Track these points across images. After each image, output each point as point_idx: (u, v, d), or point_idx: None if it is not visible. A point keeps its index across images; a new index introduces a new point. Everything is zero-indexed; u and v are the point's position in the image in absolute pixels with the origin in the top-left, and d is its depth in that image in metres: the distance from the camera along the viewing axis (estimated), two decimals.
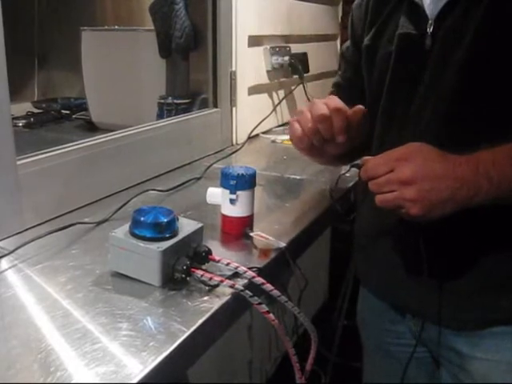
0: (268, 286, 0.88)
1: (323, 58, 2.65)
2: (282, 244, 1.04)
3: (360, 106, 1.04)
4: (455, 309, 1.07)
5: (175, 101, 1.91)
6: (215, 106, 1.88)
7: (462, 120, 0.98)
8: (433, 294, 1.06)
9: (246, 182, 1.06)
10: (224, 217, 1.09)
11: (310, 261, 2.56)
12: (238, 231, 1.08)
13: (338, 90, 1.32)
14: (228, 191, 1.06)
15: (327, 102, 1.03)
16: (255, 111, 2.07)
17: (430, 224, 0.98)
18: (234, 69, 1.89)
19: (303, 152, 1.11)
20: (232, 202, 1.06)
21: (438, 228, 1.01)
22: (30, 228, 1.12)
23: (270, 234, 1.06)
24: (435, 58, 1.01)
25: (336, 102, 1.04)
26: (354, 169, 1.02)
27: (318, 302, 2.92)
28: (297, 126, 1.06)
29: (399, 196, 0.89)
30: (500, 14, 0.93)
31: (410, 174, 0.88)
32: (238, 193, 1.06)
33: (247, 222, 1.09)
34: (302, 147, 1.08)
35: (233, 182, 1.05)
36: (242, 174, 1.05)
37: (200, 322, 0.80)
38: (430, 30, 1.01)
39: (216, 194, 1.10)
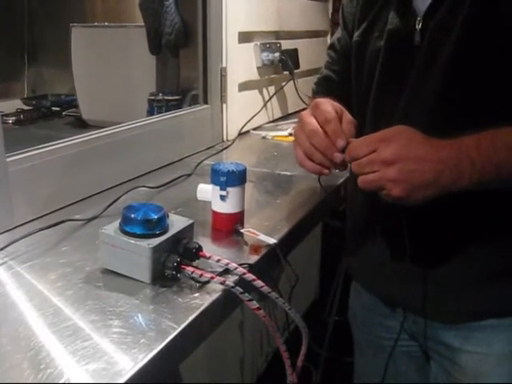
0: (259, 283, 0.88)
1: (314, 54, 2.64)
2: (273, 240, 1.04)
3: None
4: (443, 302, 1.08)
5: (165, 97, 1.91)
6: (205, 102, 1.87)
7: (450, 115, 0.99)
8: (420, 287, 1.07)
9: (237, 178, 1.06)
10: (214, 213, 1.09)
11: (301, 257, 2.57)
12: (229, 228, 1.08)
13: (328, 86, 1.31)
14: (218, 188, 1.06)
15: (316, 116, 1.01)
16: (246, 107, 2.07)
17: (416, 217, 0.99)
18: (224, 65, 1.89)
19: (314, 168, 1.04)
20: (222, 198, 1.06)
21: (424, 221, 1.01)
22: (20, 225, 1.12)
23: (260, 231, 1.06)
24: (424, 54, 1.01)
25: (326, 114, 1.00)
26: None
27: (309, 298, 2.93)
28: (298, 150, 1.04)
29: (381, 176, 0.88)
30: (486, 8, 0.94)
31: (392, 154, 0.87)
32: (229, 189, 1.05)
33: (238, 219, 1.09)
34: (311, 169, 1.04)
35: (223, 179, 1.05)
36: (232, 171, 1.05)
37: (191, 318, 0.80)
38: (418, 26, 1.02)
39: (206, 191, 1.10)
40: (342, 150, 0.96)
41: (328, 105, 1.02)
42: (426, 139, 0.89)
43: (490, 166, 0.88)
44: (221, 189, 1.06)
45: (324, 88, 1.30)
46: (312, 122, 1.00)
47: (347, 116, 1.03)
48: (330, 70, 1.32)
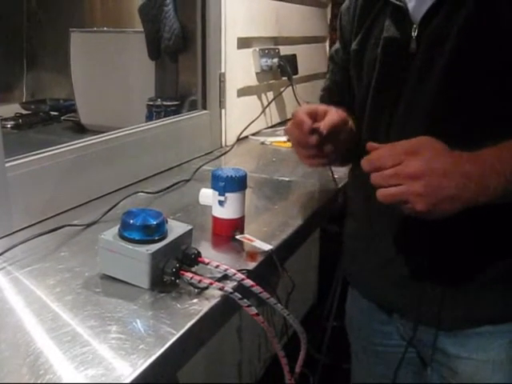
0: (257, 289, 0.88)
1: (312, 59, 2.65)
2: (269, 247, 1.03)
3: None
4: (440, 308, 1.08)
5: (164, 103, 1.91)
6: (204, 107, 1.88)
7: (447, 122, 0.99)
8: (417, 293, 1.07)
9: (236, 183, 1.06)
10: (214, 218, 1.10)
11: (299, 262, 2.57)
12: (228, 233, 1.08)
13: (330, 95, 1.33)
14: (217, 193, 1.06)
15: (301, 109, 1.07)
16: (244, 113, 2.07)
17: (416, 224, 0.99)
18: (223, 71, 1.89)
19: (308, 161, 1.13)
20: (221, 203, 1.06)
21: (424, 227, 1.01)
22: (19, 230, 1.12)
23: (258, 237, 1.06)
24: (420, 61, 1.01)
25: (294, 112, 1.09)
26: None
27: (307, 304, 2.93)
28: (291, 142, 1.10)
29: (406, 190, 0.86)
30: (482, 17, 0.94)
31: (418, 168, 0.86)
32: (227, 195, 1.05)
33: (237, 224, 1.09)
34: (303, 154, 1.10)
35: (221, 184, 1.05)
36: (231, 176, 1.05)
37: (189, 324, 0.80)
38: (414, 33, 1.02)
39: (208, 195, 1.10)
40: (312, 131, 1.03)
41: (302, 107, 1.09)
42: (449, 152, 0.88)
43: None
44: (219, 194, 1.06)
45: (327, 100, 1.32)
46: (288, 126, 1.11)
47: (332, 109, 1.07)
48: (331, 82, 1.35)
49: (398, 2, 1.04)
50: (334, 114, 1.05)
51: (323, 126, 1.01)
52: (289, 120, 2.39)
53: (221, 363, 1.99)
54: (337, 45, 1.31)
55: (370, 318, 1.27)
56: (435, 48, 0.99)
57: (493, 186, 0.87)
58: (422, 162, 0.86)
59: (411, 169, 0.86)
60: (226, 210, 1.07)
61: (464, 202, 0.87)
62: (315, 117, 1.05)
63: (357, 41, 1.15)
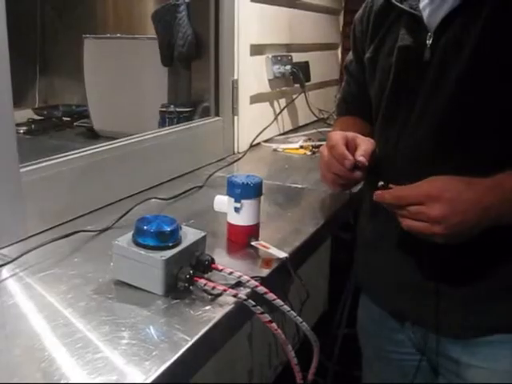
0: (271, 296, 0.88)
1: (325, 66, 2.65)
2: (284, 254, 1.03)
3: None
4: (452, 316, 1.07)
5: (177, 109, 1.92)
6: (217, 114, 1.88)
7: (459, 130, 1.00)
8: (430, 301, 1.07)
9: (251, 190, 1.06)
10: (229, 225, 1.09)
11: (310, 269, 2.55)
12: (243, 240, 1.08)
13: (347, 106, 1.37)
14: (233, 199, 1.06)
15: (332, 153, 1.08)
16: (257, 120, 2.07)
17: None
18: (235, 77, 1.89)
19: (339, 187, 1.16)
20: (236, 210, 1.06)
21: None
22: (32, 235, 1.12)
23: (272, 244, 1.06)
24: (434, 70, 1.01)
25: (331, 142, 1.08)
26: None
27: (317, 311, 2.92)
28: (327, 172, 1.11)
29: (428, 231, 0.92)
30: (499, 28, 0.94)
31: (440, 213, 0.91)
32: (243, 201, 1.05)
33: (252, 231, 1.09)
34: (338, 183, 1.12)
35: (237, 191, 1.05)
36: (247, 183, 1.05)
37: (203, 331, 0.80)
38: (429, 42, 1.02)
39: (223, 202, 1.10)
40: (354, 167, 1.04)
41: (337, 135, 1.09)
42: (468, 186, 0.92)
43: None
44: (235, 201, 1.06)
45: (344, 112, 1.37)
46: (324, 153, 1.10)
47: (360, 137, 1.09)
48: (347, 93, 1.37)
49: (413, 11, 1.04)
50: (368, 144, 1.08)
51: (364, 160, 1.05)
52: (301, 127, 2.40)
53: (231, 370, 1.98)
54: (350, 55, 1.31)
55: (382, 326, 1.26)
56: (450, 57, 0.99)
57: (508, 213, 0.93)
58: (444, 205, 0.91)
59: (433, 213, 0.91)
60: (242, 217, 1.07)
61: (481, 229, 0.93)
62: (346, 144, 1.07)
63: (371, 49, 1.15)
